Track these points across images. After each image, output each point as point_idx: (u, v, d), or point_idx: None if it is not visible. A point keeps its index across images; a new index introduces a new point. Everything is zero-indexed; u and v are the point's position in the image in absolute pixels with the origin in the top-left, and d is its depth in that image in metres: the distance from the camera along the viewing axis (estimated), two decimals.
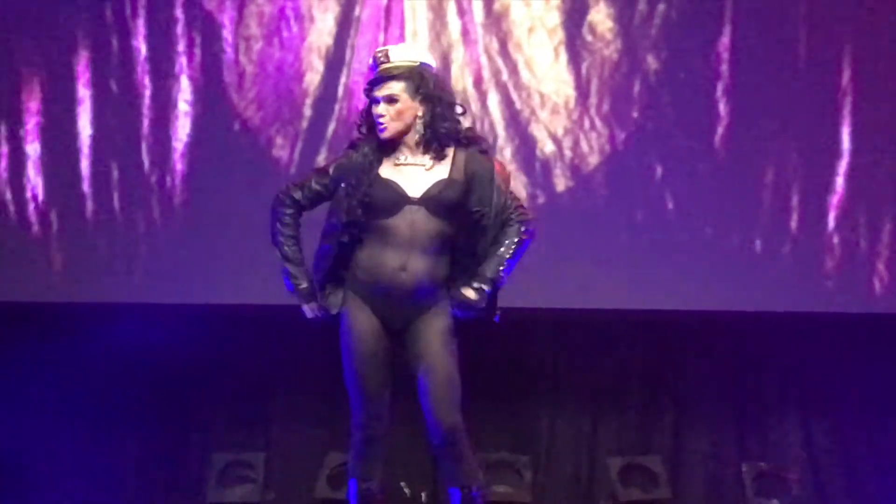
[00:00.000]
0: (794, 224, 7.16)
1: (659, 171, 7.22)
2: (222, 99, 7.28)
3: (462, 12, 7.28)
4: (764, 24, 7.20)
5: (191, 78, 7.29)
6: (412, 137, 4.87)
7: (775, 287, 7.12)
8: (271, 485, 7.42)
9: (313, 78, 7.29)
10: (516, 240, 4.89)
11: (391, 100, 4.81)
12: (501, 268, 4.85)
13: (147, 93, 7.29)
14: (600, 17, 7.27)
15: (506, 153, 7.26)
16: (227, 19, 7.28)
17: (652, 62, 7.26)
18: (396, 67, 4.82)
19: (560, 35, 7.28)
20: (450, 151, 4.85)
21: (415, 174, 4.84)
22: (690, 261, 7.20)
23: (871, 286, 7.17)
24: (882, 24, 7.20)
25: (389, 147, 4.86)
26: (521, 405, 7.54)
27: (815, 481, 7.41)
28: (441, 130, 4.83)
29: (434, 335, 4.89)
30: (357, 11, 7.28)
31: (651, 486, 7.33)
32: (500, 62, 7.28)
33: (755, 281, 7.16)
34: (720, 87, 7.22)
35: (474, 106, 7.26)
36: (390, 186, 4.80)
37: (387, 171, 4.85)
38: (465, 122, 5.00)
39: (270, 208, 5.03)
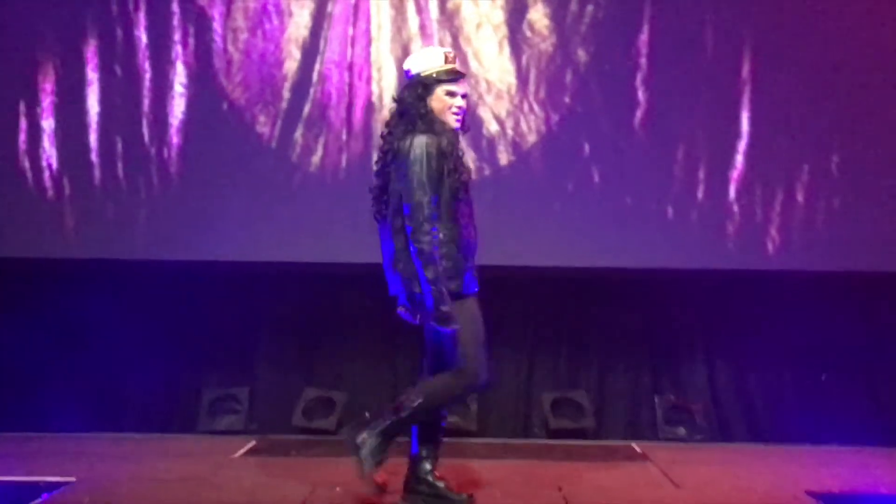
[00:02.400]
0: (700, 194, 7.79)
1: (587, 148, 7.82)
2: (212, 82, 7.89)
3: (420, 10, 7.96)
4: (676, 23, 7.84)
5: (185, 64, 7.91)
6: (453, 121, 5.52)
7: (685, 248, 7.70)
8: (255, 416, 8.01)
9: (291, 65, 7.92)
10: None
11: (465, 97, 5.56)
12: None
13: (147, 76, 7.90)
14: (538, 16, 7.95)
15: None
16: (217, 13, 7.92)
17: (582, 55, 7.90)
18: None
19: (504, 31, 7.96)
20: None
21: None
22: (613, 225, 7.72)
23: (765, 247, 7.81)
24: (777, 24, 7.88)
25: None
26: None
27: (717, 413, 8.05)
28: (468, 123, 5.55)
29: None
30: (330, 7, 7.93)
31: (578, 416, 7.89)
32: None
33: (668, 242, 7.72)
34: (639, 77, 7.85)
35: None
36: (467, 168, 5.52)
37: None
38: None
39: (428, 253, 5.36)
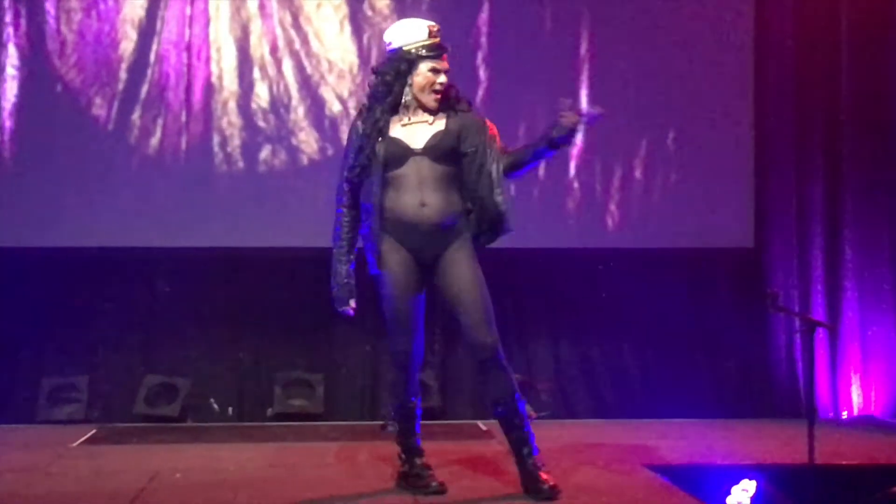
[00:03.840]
0: (541, 171, 7.85)
1: None
2: (46, 64, 7.76)
3: None
4: (516, 3, 7.94)
5: (17, 46, 7.77)
6: (431, 100, 5.19)
7: (527, 226, 7.21)
8: (95, 404, 7.88)
9: (128, 46, 7.82)
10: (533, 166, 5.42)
11: (448, 72, 5.24)
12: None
13: None
14: None
15: (299, 112, 7.91)
16: None
17: None
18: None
19: (344, 10, 7.96)
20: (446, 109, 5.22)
21: (419, 130, 5.18)
22: None
23: (604, 224, 7.98)
24: (614, 3, 8.03)
25: (398, 109, 5.20)
26: (317, 333, 8.07)
27: (561, 390, 8.16)
28: (452, 96, 5.25)
29: (464, 265, 5.18)
30: None
31: (426, 396, 7.45)
32: (293, 33, 7.93)
33: None
34: (480, 56, 7.94)
35: (271, 71, 7.90)
36: (397, 143, 5.14)
37: (396, 130, 5.18)
38: None
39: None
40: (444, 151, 5.19)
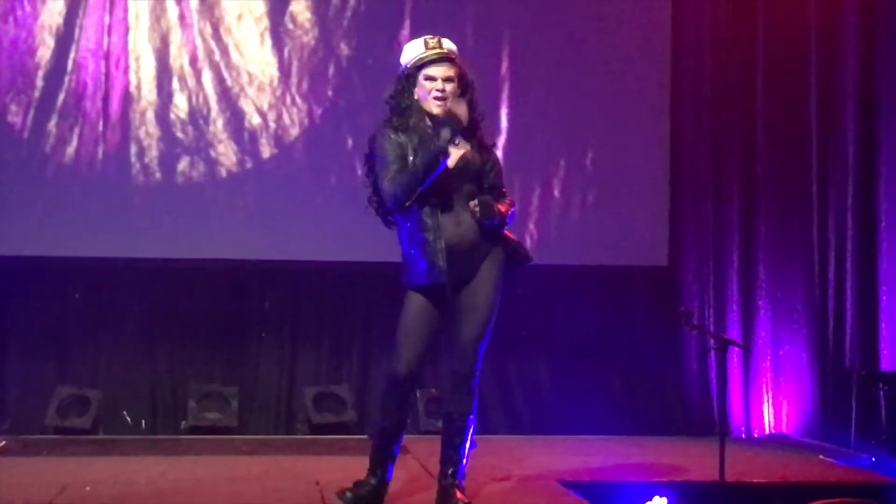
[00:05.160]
0: None
1: (350, 142, 7.82)
2: None
3: None
4: (437, 20, 7.75)
5: None
6: (434, 107, 5.17)
7: None
8: (5, 415, 7.77)
9: (45, 53, 7.73)
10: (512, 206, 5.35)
11: (449, 80, 5.16)
12: (507, 209, 5.25)
13: None
14: (300, 8, 7.96)
15: (218, 124, 7.87)
16: None
17: (344, 49, 7.96)
18: (452, 53, 5.22)
19: (265, 22, 7.94)
20: (475, 134, 5.21)
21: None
22: (375, 218, 7.78)
23: (522, 242, 7.80)
24: (535, 23, 8.08)
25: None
26: (232, 345, 8.07)
27: (477, 406, 8.15)
28: (476, 114, 5.21)
29: (488, 283, 5.24)
30: None
31: (341, 410, 7.89)
32: (213, 44, 7.89)
33: None
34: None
35: (190, 82, 7.85)
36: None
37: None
38: None
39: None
40: (473, 172, 5.22)
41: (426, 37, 5.27)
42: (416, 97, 5.23)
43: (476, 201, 5.15)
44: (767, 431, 8.16)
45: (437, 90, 5.15)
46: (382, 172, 5.21)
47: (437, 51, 5.19)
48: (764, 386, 8.18)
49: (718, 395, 7.94)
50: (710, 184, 8.29)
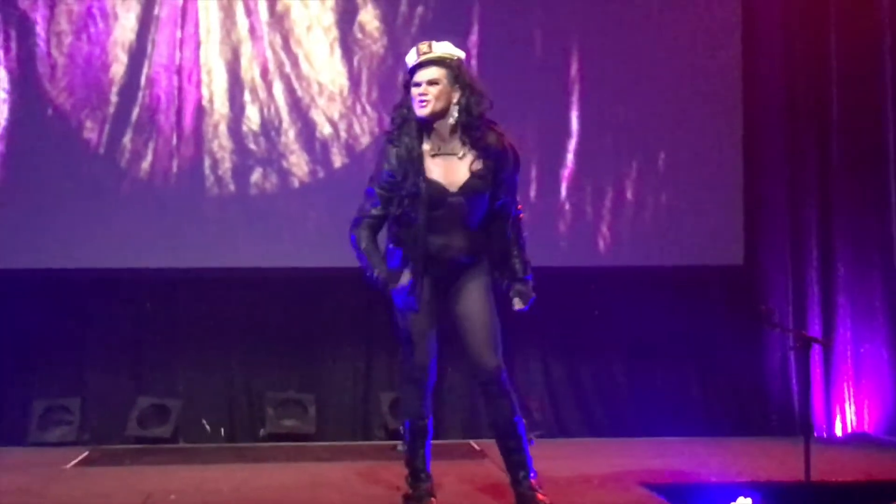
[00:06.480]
0: (532, 193, 7.91)
1: None
2: (36, 87, 7.75)
3: (249, 12, 7.92)
4: (506, 24, 7.96)
5: (7, 69, 7.76)
6: (446, 124, 5.08)
7: None
8: (87, 426, 7.85)
9: (118, 69, 7.82)
10: (524, 235, 5.37)
11: (433, 82, 5.03)
12: (528, 268, 5.31)
13: None
14: (368, 18, 7.99)
15: (290, 135, 7.91)
16: (39, 17, 7.77)
17: None
18: (439, 57, 5.07)
19: (335, 32, 7.98)
20: (477, 138, 5.08)
21: (451, 166, 5.10)
22: None
23: (595, 244, 8.00)
24: (604, 24, 8.06)
25: (425, 138, 5.10)
26: (309, 353, 8.11)
27: (553, 409, 8.16)
28: (473, 115, 5.05)
29: (476, 289, 5.20)
30: (156, 10, 7.85)
31: None
32: (283, 56, 7.94)
33: None
34: None
35: (261, 94, 7.90)
36: (435, 186, 5.07)
37: (429, 166, 5.08)
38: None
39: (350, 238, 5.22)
40: (479, 194, 5.15)
41: (420, 44, 5.21)
42: (410, 106, 5.15)
43: (516, 299, 5.24)
44: (849, 430, 8.07)
45: (420, 94, 5.05)
46: (366, 196, 5.21)
47: (425, 55, 5.10)
48: (845, 384, 8.09)
49: (800, 394, 7.87)
50: (786, 181, 8.22)
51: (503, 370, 5.22)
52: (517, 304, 5.29)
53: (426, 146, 5.14)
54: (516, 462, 5.28)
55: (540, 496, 5.25)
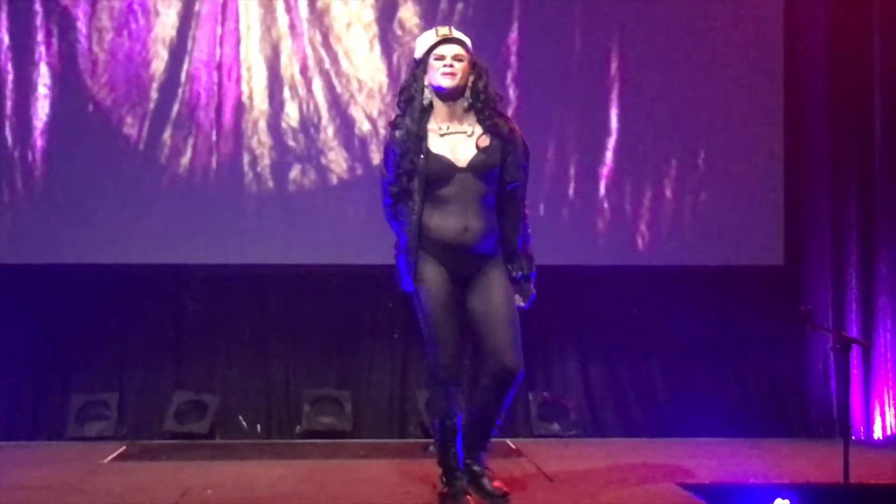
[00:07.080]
0: (571, 191, 7.92)
1: None
2: (77, 83, 7.79)
3: (289, 9, 7.93)
4: (545, 22, 7.95)
5: (49, 65, 7.80)
6: (460, 104, 5.16)
7: (556, 244, 7.63)
8: (125, 421, 7.90)
9: (159, 65, 7.85)
10: (528, 231, 5.32)
11: (459, 59, 5.13)
12: (532, 265, 5.29)
13: (10, 78, 7.80)
14: (408, 14, 8.00)
15: (329, 132, 7.92)
16: (81, 13, 7.82)
17: None
18: (462, 38, 5.20)
19: (374, 29, 7.99)
20: (487, 118, 5.15)
21: (459, 143, 5.15)
22: None
23: (634, 243, 7.98)
24: (644, 22, 8.04)
25: (433, 117, 5.17)
26: (346, 350, 8.12)
27: (590, 408, 8.13)
28: (487, 97, 5.16)
29: (496, 286, 5.19)
30: (197, 7, 7.88)
31: None
32: (323, 52, 7.95)
33: (539, 239, 7.05)
34: (510, 75, 7.93)
35: (301, 91, 7.92)
36: (440, 160, 5.11)
37: (435, 143, 5.14)
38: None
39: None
40: (488, 170, 5.17)
41: (437, 27, 5.29)
42: (426, 83, 5.19)
43: (517, 296, 5.23)
44: (889, 432, 7.99)
45: (446, 65, 5.13)
46: (384, 184, 5.26)
47: (448, 35, 5.21)
48: (885, 386, 8.00)
49: (840, 395, 7.80)
50: (827, 180, 8.13)
51: (521, 367, 5.20)
52: (518, 302, 5.28)
53: (434, 126, 5.19)
54: (477, 446, 5.29)
55: (491, 474, 5.31)
